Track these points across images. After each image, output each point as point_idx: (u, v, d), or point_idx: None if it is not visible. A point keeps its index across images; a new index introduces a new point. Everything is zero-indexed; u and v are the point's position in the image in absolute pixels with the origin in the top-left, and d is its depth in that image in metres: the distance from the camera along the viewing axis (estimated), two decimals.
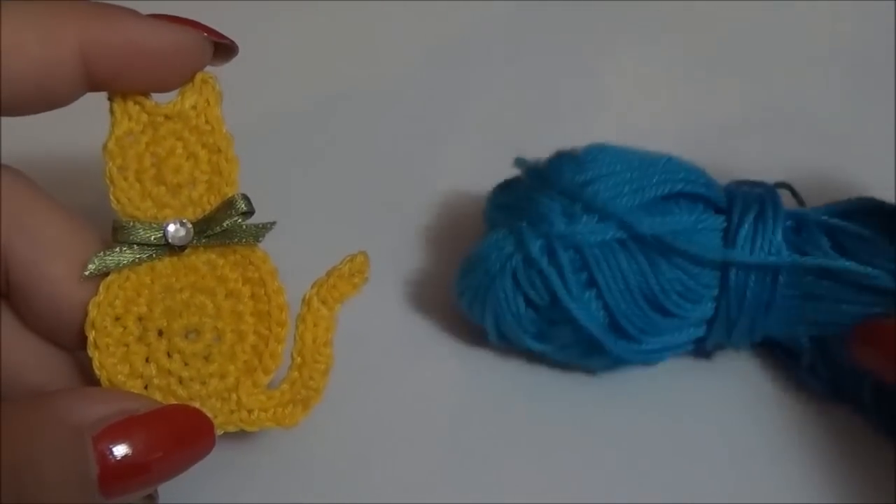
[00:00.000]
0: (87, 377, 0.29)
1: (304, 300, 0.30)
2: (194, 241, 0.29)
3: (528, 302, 0.35)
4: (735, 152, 0.42)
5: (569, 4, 0.54)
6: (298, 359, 0.30)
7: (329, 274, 0.30)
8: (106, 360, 0.29)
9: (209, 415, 0.28)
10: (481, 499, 0.34)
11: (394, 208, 0.43)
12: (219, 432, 0.29)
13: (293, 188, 0.43)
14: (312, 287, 0.30)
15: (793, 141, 0.46)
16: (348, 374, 0.32)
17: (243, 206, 0.30)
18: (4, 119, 0.28)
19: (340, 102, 0.48)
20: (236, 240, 0.30)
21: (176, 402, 0.29)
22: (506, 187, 0.38)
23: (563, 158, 0.36)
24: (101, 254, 0.29)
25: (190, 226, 0.29)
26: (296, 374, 0.30)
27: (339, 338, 0.31)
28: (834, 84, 0.51)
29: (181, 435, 0.27)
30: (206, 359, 0.29)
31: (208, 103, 0.30)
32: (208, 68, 0.30)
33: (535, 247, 0.34)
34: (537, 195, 0.36)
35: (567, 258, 0.34)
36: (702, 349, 0.38)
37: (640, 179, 0.35)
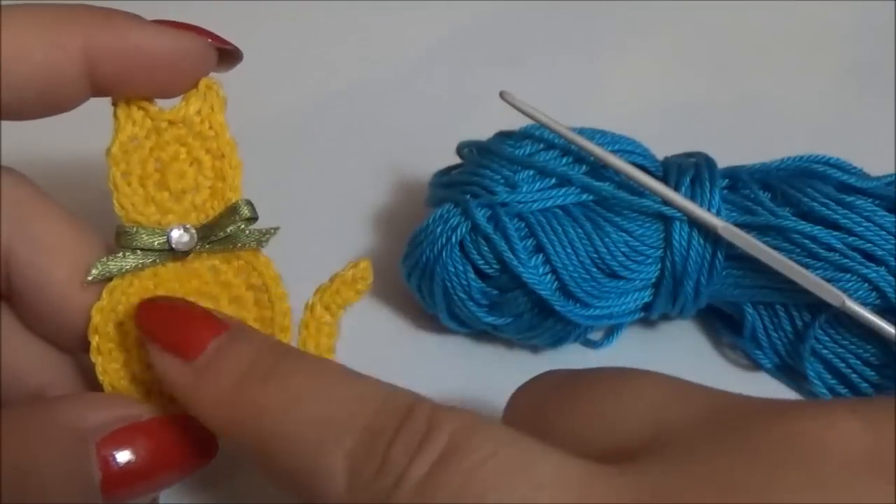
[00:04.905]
0: (89, 379, 0.29)
1: (307, 306, 0.30)
2: (198, 247, 0.29)
3: (478, 272, 0.36)
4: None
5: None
6: None
7: (332, 280, 0.30)
8: (109, 365, 0.29)
9: None
10: None
11: (397, 213, 0.43)
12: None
13: (297, 193, 0.43)
14: (315, 293, 0.30)
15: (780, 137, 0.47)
16: None
17: (247, 211, 0.30)
18: (8, 122, 0.28)
19: (340, 103, 0.48)
20: (240, 245, 0.30)
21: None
22: (447, 171, 0.39)
23: (503, 135, 0.38)
24: (105, 259, 0.29)
25: (193, 231, 0.29)
26: None
27: None
28: (828, 81, 0.52)
29: (184, 442, 0.27)
30: None
31: (212, 109, 0.30)
32: (213, 74, 0.30)
33: (481, 215, 0.35)
34: (480, 169, 0.37)
35: (512, 226, 0.35)
36: (648, 319, 0.38)
37: (579, 151, 0.37)
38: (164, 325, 0.27)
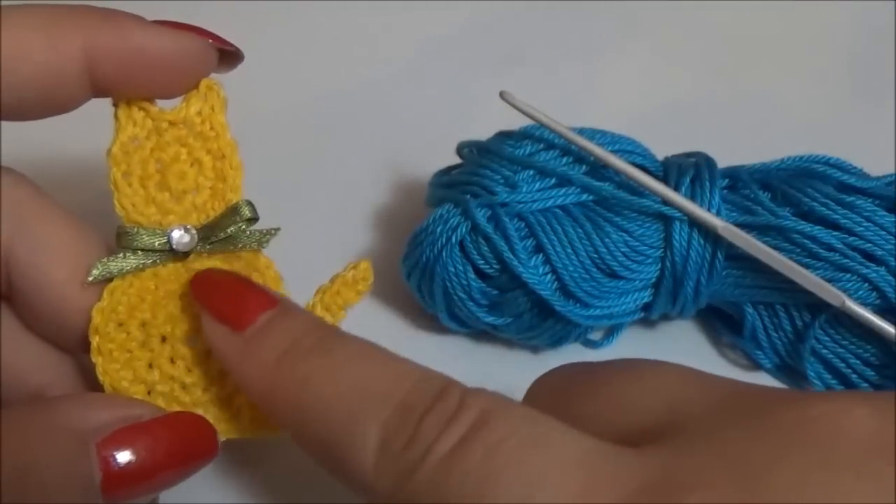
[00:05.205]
0: (89, 378, 0.29)
1: (307, 307, 0.30)
2: (198, 248, 0.29)
3: (478, 272, 0.36)
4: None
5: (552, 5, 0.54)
6: None
7: (332, 281, 0.30)
8: (109, 365, 0.28)
9: (212, 421, 0.28)
10: None
11: (397, 213, 0.43)
12: (221, 439, 0.29)
13: (297, 193, 0.43)
14: (316, 294, 0.30)
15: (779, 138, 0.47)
16: None
17: (248, 212, 0.30)
18: (8, 122, 0.28)
19: (340, 103, 0.48)
20: (240, 246, 0.30)
21: (179, 409, 0.29)
22: (447, 171, 0.39)
23: (503, 135, 0.38)
24: (105, 260, 0.29)
25: (194, 232, 0.29)
26: None
27: None
28: (828, 81, 0.52)
29: (184, 442, 0.27)
30: (209, 365, 0.29)
31: (213, 110, 0.30)
32: (213, 75, 0.30)
33: (481, 215, 0.35)
34: (480, 169, 0.37)
35: (513, 226, 0.35)
36: (648, 319, 0.38)
37: (579, 151, 0.37)
38: (219, 294, 0.28)
